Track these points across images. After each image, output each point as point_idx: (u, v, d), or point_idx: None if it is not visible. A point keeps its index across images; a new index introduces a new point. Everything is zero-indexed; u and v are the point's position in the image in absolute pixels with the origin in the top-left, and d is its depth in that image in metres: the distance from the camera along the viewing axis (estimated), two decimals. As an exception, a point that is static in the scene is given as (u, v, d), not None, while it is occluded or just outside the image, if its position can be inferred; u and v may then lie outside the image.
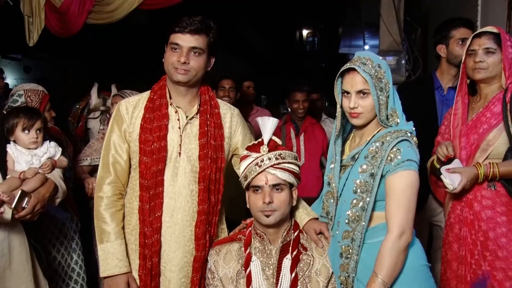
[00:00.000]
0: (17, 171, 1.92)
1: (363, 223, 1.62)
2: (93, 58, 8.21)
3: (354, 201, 1.64)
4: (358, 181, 1.64)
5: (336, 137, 1.79)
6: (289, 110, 3.64)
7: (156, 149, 1.79)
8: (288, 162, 1.74)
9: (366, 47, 5.47)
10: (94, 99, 3.40)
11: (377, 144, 1.64)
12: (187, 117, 1.85)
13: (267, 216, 1.70)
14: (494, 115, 2.00)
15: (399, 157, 1.59)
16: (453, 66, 2.51)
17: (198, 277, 1.81)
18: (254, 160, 1.73)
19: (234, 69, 4.23)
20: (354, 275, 1.65)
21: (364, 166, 1.64)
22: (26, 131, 1.97)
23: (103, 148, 1.87)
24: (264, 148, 1.75)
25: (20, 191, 1.79)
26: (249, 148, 1.80)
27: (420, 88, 2.70)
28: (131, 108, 1.86)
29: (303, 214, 1.86)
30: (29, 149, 1.99)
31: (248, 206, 1.79)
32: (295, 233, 1.78)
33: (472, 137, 2.04)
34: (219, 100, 1.96)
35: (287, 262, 1.73)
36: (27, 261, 1.90)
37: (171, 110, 1.84)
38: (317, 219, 1.86)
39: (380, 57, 1.73)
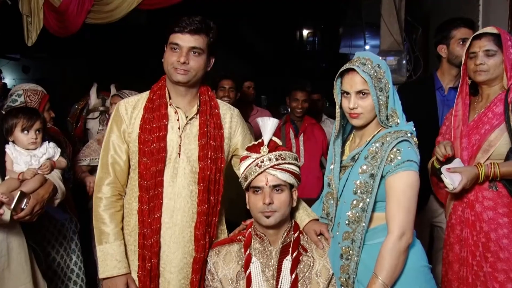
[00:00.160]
0: (16, 171, 1.91)
1: (363, 224, 1.61)
2: (92, 58, 8.20)
3: (354, 202, 1.63)
4: (358, 182, 1.63)
5: (336, 137, 1.79)
6: (289, 110, 3.64)
7: (155, 149, 1.78)
8: (289, 163, 1.73)
9: (367, 47, 5.47)
10: (93, 99, 3.39)
11: (377, 144, 1.63)
12: (186, 117, 1.84)
13: (267, 217, 1.69)
14: (496, 116, 1.99)
15: (399, 157, 1.58)
16: (454, 66, 2.50)
17: (198, 278, 1.80)
18: (254, 161, 1.72)
19: (234, 69, 4.22)
20: (354, 277, 1.64)
21: (364, 167, 1.63)
22: (25, 132, 1.96)
23: (102, 149, 1.86)
24: (264, 149, 1.74)
25: (19, 192, 1.78)
26: (249, 149, 1.80)
27: (420, 88, 2.70)
28: (130, 108, 1.85)
29: (303, 215, 1.85)
30: (28, 149, 1.98)
31: (248, 207, 1.78)
32: (295, 234, 1.78)
33: (474, 138, 2.03)
34: (219, 101, 1.95)
35: (287, 263, 1.73)
36: (26, 262, 1.89)
37: (170, 110, 1.83)
38: (317, 220, 1.85)
39: (380, 57, 1.72)
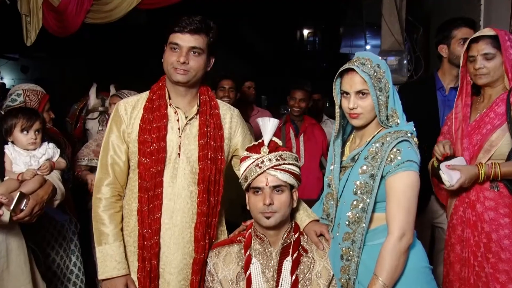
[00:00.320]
0: (15, 172, 1.90)
1: (364, 225, 1.60)
2: (91, 58, 8.19)
3: (354, 203, 1.62)
4: (358, 182, 1.62)
5: (336, 138, 1.78)
6: (289, 109, 3.65)
7: (155, 150, 1.77)
8: (289, 164, 1.72)
9: (368, 47, 5.46)
10: (92, 99, 3.38)
11: (377, 144, 1.62)
12: (186, 117, 1.83)
13: (268, 217, 1.68)
14: (498, 116, 1.98)
15: (399, 157, 1.57)
16: (455, 66, 2.49)
17: (198, 280, 1.80)
18: (254, 161, 1.71)
19: (234, 69, 4.22)
20: (355, 278, 1.63)
21: (364, 167, 1.62)
22: (25, 132, 1.95)
23: (102, 149, 1.86)
24: (265, 149, 1.73)
25: (18, 193, 1.77)
26: (249, 149, 1.79)
27: (421, 88, 2.69)
28: (130, 108, 1.84)
29: (304, 216, 1.85)
30: (28, 150, 1.97)
31: (248, 207, 1.77)
32: (296, 235, 1.77)
33: (475, 138, 2.03)
34: (219, 101, 1.94)
35: (287, 264, 1.72)
36: (25, 263, 1.88)
37: (170, 110, 1.82)
38: (317, 221, 1.84)
39: (380, 58, 1.72)
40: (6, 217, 1.74)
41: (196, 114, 1.84)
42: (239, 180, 1.78)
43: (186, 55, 1.74)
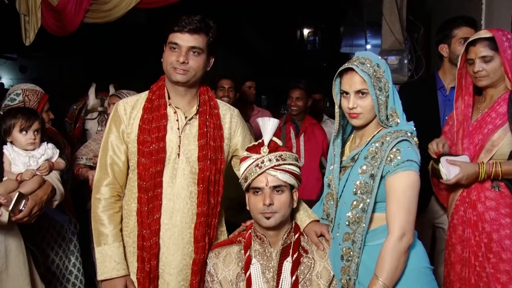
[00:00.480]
0: (14, 172, 1.89)
1: (364, 225, 1.60)
2: (90, 57, 8.18)
3: (354, 203, 1.62)
4: (358, 182, 1.62)
5: (335, 138, 1.77)
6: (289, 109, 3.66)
7: (154, 150, 1.76)
8: (289, 164, 1.71)
9: (368, 46, 5.46)
10: (91, 99, 3.38)
11: (377, 144, 1.62)
12: (186, 117, 1.82)
13: (268, 218, 1.67)
14: (500, 115, 1.97)
15: (398, 157, 1.56)
16: (456, 66, 2.48)
17: (197, 280, 1.79)
18: (254, 162, 1.70)
19: (234, 68, 4.21)
20: (355, 278, 1.62)
21: (364, 167, 1.61)
22: (24, 132, 1.95)
23: (101, 149, 1.85)
24: (265, 149, 1.72)
25: (17, 193, 1.76)
26: (249, 149, 1.78)
27: (422, 88, 2.68)
28: (129, 108, 1.83)
29: (304, 216, 1.84)
30: (27, 150, 1.96)
31: (248, 208, 1.76)
32: (296, 236, 1.76)
33: (477, 138, 2.02)
34: (218, 101, 1.93)
35: (287, 265, 1.71)
36: (24, 264, 1.87)
37: (170, 110, 1.82)
38: (318, 221, 1.83)
39: (380, 57, 1.71)
40: (4, 217, 1.73)
41: (195, 114, 1.83)
42: (239, 180, 1.77)
43: (185, 55, 1.73)
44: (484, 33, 2.02)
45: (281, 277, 1.70)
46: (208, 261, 1.79)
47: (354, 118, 1.66)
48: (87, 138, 3.30)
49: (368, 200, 1.59)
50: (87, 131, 3.35)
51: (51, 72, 8.55)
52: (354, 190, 1.62)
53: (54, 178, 1.99)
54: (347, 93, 1.66)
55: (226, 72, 3.34)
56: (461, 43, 2.43)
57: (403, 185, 1.56)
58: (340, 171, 1.73)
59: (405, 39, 3.84)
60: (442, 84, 2.57)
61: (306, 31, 14.32)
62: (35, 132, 1.98)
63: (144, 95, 1.86)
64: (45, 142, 2.04)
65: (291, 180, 1.71)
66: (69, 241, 2.47)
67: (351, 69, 1.63)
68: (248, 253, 1.73)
